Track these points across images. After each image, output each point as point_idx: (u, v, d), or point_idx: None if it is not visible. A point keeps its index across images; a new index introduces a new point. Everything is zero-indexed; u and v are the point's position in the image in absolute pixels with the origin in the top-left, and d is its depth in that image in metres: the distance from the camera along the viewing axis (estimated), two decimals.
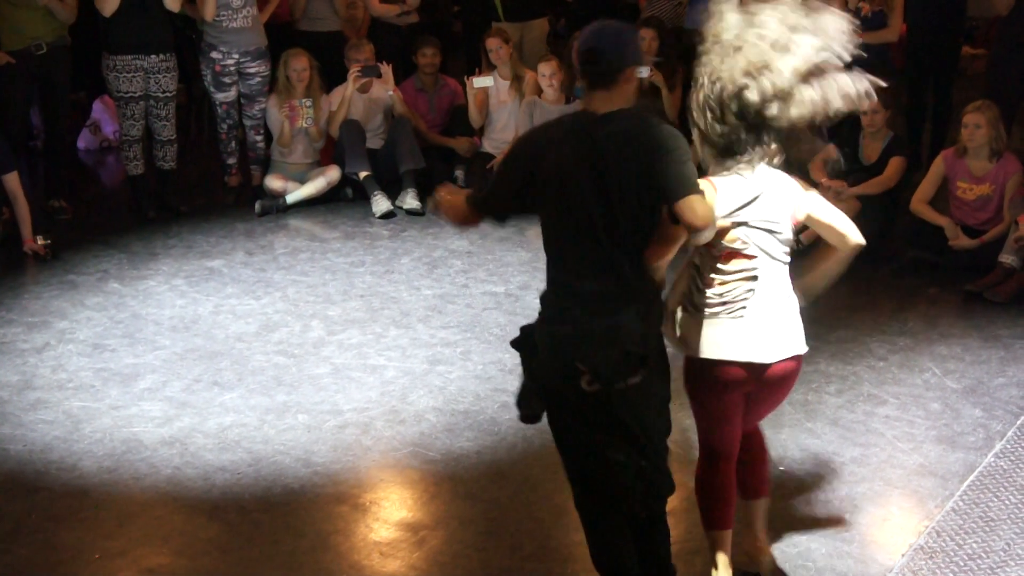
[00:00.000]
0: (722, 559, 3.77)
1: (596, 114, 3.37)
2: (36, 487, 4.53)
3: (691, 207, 3.23)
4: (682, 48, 8.38)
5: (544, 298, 3.51)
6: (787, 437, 4.87)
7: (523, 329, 3.56)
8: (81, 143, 9.55)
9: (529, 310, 6.17)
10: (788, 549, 4.08)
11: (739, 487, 3.82)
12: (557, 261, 3.48)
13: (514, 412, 5.00)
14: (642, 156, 3.28)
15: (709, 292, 3.53)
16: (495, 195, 3.57)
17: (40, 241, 7.00)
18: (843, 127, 7.34)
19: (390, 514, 4.36)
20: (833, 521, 4.26)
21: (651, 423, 3.46)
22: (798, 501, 4.39)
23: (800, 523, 4.24)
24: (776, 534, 4.15)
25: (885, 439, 4.87)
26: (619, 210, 3.30)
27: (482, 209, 3.59)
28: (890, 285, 6.70)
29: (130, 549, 4.13)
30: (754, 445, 3.88)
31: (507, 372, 5.47)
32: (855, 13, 7.46)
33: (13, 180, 6.98)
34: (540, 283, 6.47)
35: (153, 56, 7.51)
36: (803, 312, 3.62)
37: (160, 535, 4.23)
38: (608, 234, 3.31)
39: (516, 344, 3.57)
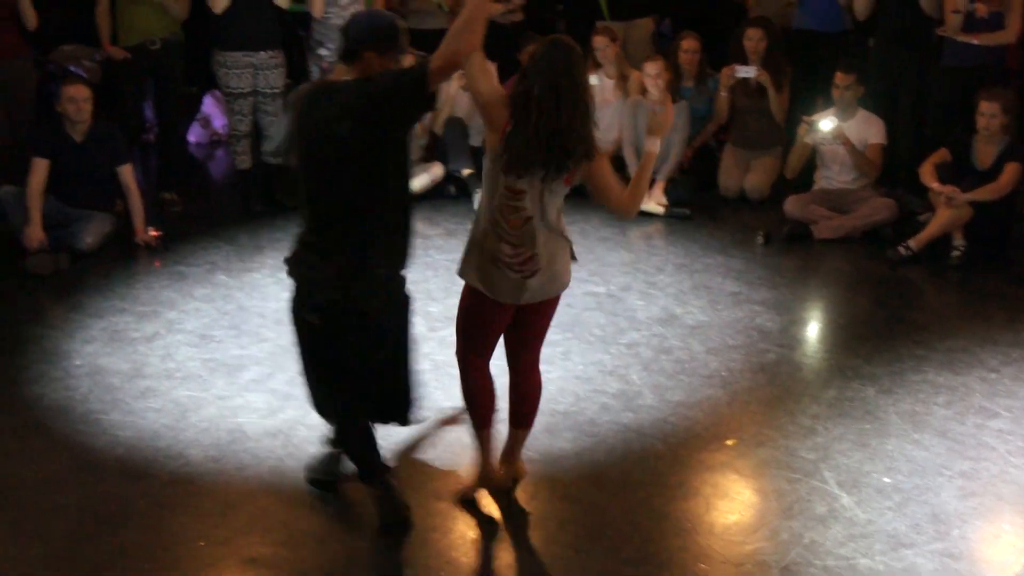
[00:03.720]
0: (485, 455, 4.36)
1: (331, 82, 3.86)
2: (145, 473, 4.63)
3: None
4: (791, 48, 8.27)
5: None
6: (893, 448, 4.77)
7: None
8: (192, 137, 9.74)
9: (630, 311, 6.17)
10: (894, 563, 3.99)
11: (510, 416, 4.38)
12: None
13: (614, 414, 5.05)
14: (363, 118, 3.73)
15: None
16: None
17: (151, 232, 7.17)
18: (956, 131, 7.18)
19: (489, 512, 4.36)
20: (941, 536, 4.15)
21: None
22: (904, 514, 4.29)
23: (906, 537, 4.15)
24: (882, 547, 4.08)
25: (997, 453, 4.73)
26: (324, 171, 3.81)
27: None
28: (1003, 295, 6.53)
29: (233, 538, 4.20)
30: (531, 380, 4.34)
31: (607, 373, 5.45)
32: (970, 15, 7.29)
33: (127, 173, 7.16)
34: (642, 284, 6.50)
35: (262, 52, 7.62)
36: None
37: (262, 525, 4.29)
38: (320, 191, 3.87)
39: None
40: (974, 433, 4.90)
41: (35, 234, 6.76)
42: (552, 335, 5.80)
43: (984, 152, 6.98)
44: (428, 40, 8.33)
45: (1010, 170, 6.85)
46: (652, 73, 7.85)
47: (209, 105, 9.81)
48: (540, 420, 4.99)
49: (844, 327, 6.10)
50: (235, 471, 4.64)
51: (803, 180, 7.76)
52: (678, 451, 4.79)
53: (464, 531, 4.24)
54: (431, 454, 4.75)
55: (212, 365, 5.56)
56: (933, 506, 4.35)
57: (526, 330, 4.25)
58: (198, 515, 4.35)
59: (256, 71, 7.65)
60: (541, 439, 4.84)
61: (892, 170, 7.76)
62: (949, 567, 3.97)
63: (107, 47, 7.86)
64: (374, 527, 4.25)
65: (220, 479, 4.59)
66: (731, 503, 4.43)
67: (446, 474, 4.59)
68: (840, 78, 7.38)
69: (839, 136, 7.30)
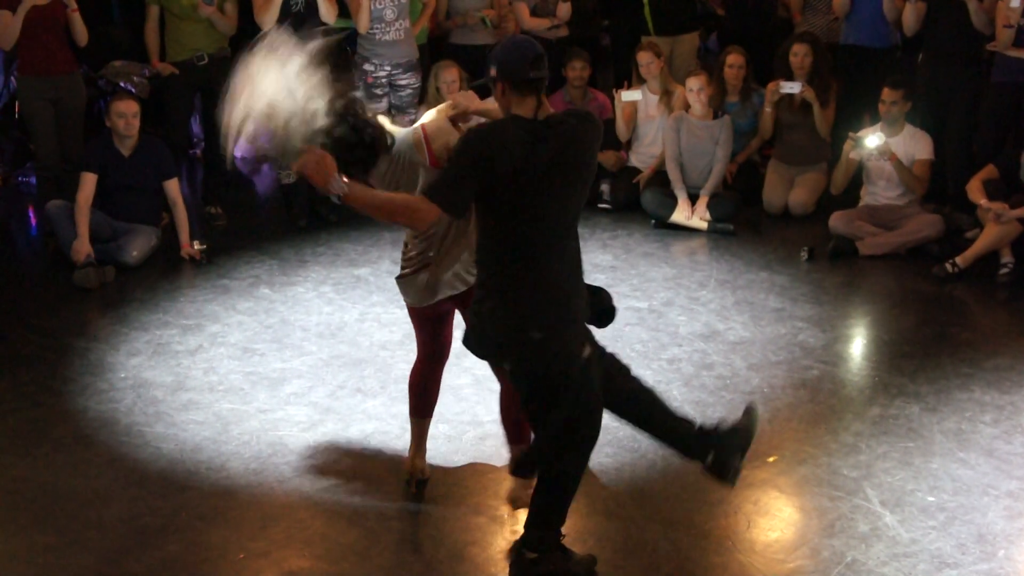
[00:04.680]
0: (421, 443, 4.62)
1: (543, 117, 3.73)
2: (186, 486, 4.67)
3: None
4: (838, 64, 8.22)
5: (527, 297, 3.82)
6: (938, 466, 4.71)
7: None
8: (238, 152, 9.81)
9: (672, 327, 6.13)
10: None
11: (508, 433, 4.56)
12: (530, 257, 3.80)
13: None
14: (588, 155, 3.79)
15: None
16: (458, 189, 3.66)
17: (196, 246, 7.24)
18: (1006, 147, 7.09)
19: None
20: (987, 557, 4.09)
21: None
22: (948, 534, 4.23)
23: (951, 557, 4.09)
24: (926, 567, 4.02)
25: None
26: (573, 203, 3.81)
27: (445, 205, 3.67)
28: None
29: (273, 550, 4.22)
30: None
31: None
32: (1021, 30, 7.20)
33: (174, 186, 7.24)
34: (684, 300, 6.47)
35: None
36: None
37: (302, 538, 4.30)
38: (566, 227, 3.84)
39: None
40: (1021, 452, 4.81)
41: (82, 248, 6.85)
42: None
43: None
44: (472, 56, 8.42)
45: None
46: (695, 88, 7.82)
47: None
48: None
49: (889, 344, 6.03)
50: (276, 484, 4.66)
51: (848, 196, 7.69)
52: None
53: (502, 545, 4.23)
54: (469, 469, 4.74)
55: (254, 378, 5.60)
56: (979, 526, 4.29)
57: None
58: (238, 528, 4.37)
59: None
60: None
61: (940, 186, 7.67)
62: None
63: (156, 63, 7.97)
64: (414, 541, 4.25)
65: (260, 492, 4.61)
66: (772, 520, 4.39)
67: (484, 489, 4.59)
68: (887, 94, 7.31)
69: (885, 152, 7.24)
